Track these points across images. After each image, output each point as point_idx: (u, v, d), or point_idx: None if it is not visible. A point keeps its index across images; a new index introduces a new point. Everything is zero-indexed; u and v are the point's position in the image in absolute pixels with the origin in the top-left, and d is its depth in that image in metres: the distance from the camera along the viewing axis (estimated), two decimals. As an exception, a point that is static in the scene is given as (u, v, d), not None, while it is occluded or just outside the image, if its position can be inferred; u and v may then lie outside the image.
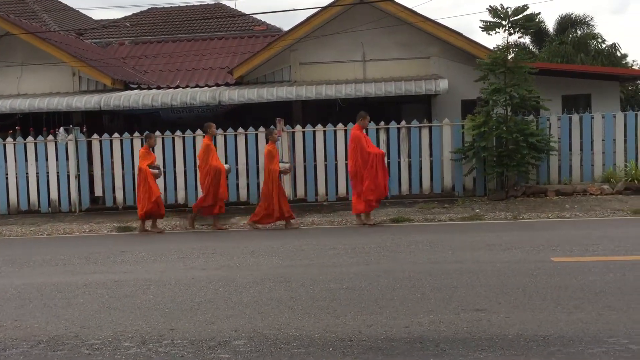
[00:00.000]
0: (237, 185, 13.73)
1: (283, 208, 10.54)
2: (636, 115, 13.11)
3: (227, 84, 15.63)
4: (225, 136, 13.71)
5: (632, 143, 13.02)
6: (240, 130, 13.79)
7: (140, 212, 10.95)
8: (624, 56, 27.18)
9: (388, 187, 11.04)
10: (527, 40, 28.84)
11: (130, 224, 11.63)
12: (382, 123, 13.52)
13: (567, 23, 27.85)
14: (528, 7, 12.54)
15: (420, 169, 13.46)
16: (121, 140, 13.83)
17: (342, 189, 13.61)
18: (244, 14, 22.44)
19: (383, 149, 13.45)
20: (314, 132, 13.60)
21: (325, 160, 13.57)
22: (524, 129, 12.26)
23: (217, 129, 13.72)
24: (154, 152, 11.88)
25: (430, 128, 13.50)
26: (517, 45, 25.47)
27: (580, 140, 13.18)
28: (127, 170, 13.76)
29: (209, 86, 15.54)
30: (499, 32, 12.83)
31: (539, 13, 13.21)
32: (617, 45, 26.33)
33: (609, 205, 11.06)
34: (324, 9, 15.04)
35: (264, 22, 21.72)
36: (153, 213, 10.97)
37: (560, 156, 13.18)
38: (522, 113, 13.01)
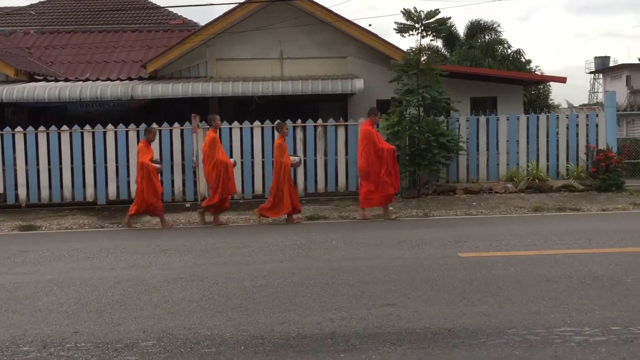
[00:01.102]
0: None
1: (294, 201, 10.43)
2: (537, 118, 13.88)
3: (140, 78, 15.17)
4: (137, 132, 13.31)
5: (533, 144, 13.76)
6: (155, 126, 13.41)
7: (136, 207, 10.46)
8: (528, 61, 28.75)
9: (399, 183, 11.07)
10: (439, 43, 29.94)
11: (35, 223, 11.06)
12: (299, 121, 13.57)
13: (477, 28, 29.09)
14: (440, 11, 12.97)
15: (336, 167, 13.62)
16: (25, 134, 13.11)
17: (258, 187, 13.55)
18: (160, 7, 21.86)
19: (300, 147, 13.56)
20: (230, 129, 13.46)
21: (242, 157, 13.46)
22: (435, 129, 12.69)
23: (129, 124, 13.37)
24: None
25: (346, 127, 13.69)
26: (429, 48, 26.41)
27: (487, 140, 13.80)
28: (31, 166, 13.07)
29: (121, 80, 15.04)
30: (412, 34, 13.20)
31: (450, 18, 13.61)
32: (521, 51, 27.81)
33: (512, 203, 11.66)
34: (241, 4, 14.92)
35: (180, 16, 21.25)
36: (157, 208, 10.54)
37: (468, 156, 13.74)
38: (433, 114, 13.45)
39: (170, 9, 21.68)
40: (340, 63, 15.63)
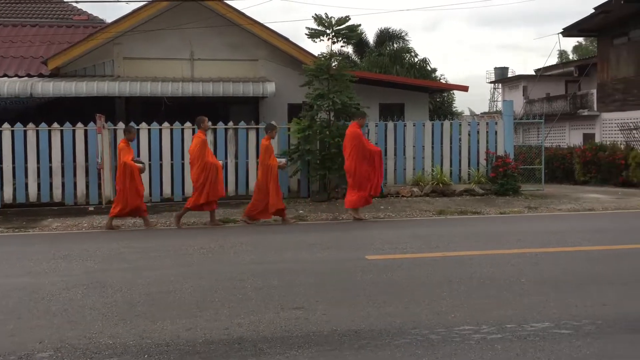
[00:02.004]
0: (51, 184, 12.75)
1: (279, 203, 10.28)
2: (442, 124, 14.45)
3: (40, 75, 14.42)
4: (37, 131, 12.65)
5: (438, 149, 14.32)
6: (56, 125, 12.81)
7: (120, 209, 9.95)
8: (434, 70, 29.86)
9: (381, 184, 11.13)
10: (350, 49, 30.48)
11: None
12: (209, 123, 13.36)
13: (386, 36, 29.89)
14: (350, 18, 13.24)
15: (247, 170, 13.55)
16: None
17: (167, 190, 13.24)
18: (62, 1, 20.82)
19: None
20: (138, 130, 13.05)
21: (150, 160, 13.09)
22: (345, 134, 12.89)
23: (27, 124, 12.68)
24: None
25: (257, 130, 13.65)
26: (341, 54, 26.84)
27: (395, 145, 14.21)
28: None
29: (20, 76, 14.23)
30: (323, 40, 13.38)
31: (360, 25, 13.93)
32: (427, 59, 28.85)
33: (418, 207, 12.06)
34: (150, 3, 14.54)
35: (85, 11, 20.33)
36: (140, 209, 10.11)
37: (377, 160, 14.06)
38: (344, 118, 13.67)
39: (74, 4, 20.69)
40: (252, 66, 15.57)
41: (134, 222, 10.52)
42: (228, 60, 15.48)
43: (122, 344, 4.19)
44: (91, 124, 12.80)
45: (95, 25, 18.23)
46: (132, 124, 13.02)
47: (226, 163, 13.44)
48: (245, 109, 15.74)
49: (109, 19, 21.95)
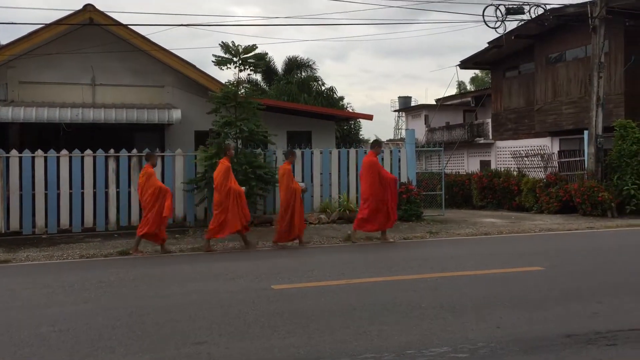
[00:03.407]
0: None
1: (301, 226, 10.74)
2: (348, 152, 14.77)
3: None
4: None
5: (344, 177, 14.59)
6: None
7: (146, 230, 9.98)
8: (341, 98, 30.63)
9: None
10: (258, 77, 30.68)
11: None
12: (111, 151, 12.95)
13: (294, 65, 30.36)
14: (257, 47, 13.35)
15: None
16: None
17: (64, 220, 12.62)
18: (-50, 20, 19.60)
19: (112, 178, 12.93)
20: (33, 158, 12.42)
21: (46, 189, 12.46)
22: (253, 162, 12.90)
23: None
24: None
25: (162, 157, 13.34)
26: (249, 81, 26.93)
27: (302, 173, 14.33)
28: None
29: None
30: (230, 67, 13.38)
31: (267, 53, 14.10)
32: (334, 88, 29.56)
33: (325, 233, 12.19)
34: (48, 25, 14.01)
35: (-24, 32, 19.25)
36: (161, 233, 10.12)
37: (285, 188, 14.12)
38: (251, 146, 13.67)
39: (-37, 23, 19.55)
40: (157, 92, 15.30)
41: (26, 256, 9.91)
42: (132, 86, 15.13)
43: (7, 391, 3.91)
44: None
45: (-14, 46, 17.26)
46: (26, 150, 12.39)
47: (129, 191, 13.01)
48: (150, 135, 15.39)
49: (3, 40, 20.88)
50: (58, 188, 12.61)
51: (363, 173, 11.16)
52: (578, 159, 17.49)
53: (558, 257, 8.93)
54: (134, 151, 13.21)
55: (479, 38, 58.65)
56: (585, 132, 16.75)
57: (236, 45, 13.21)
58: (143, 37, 14.71)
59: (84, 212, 12.73)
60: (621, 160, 15.70)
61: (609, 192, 15.23)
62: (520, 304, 5.97)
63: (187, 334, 5.11)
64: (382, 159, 15.10)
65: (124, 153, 13.08)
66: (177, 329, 5.27)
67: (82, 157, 12.76)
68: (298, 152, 14.35)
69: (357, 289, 6.86)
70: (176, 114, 14.07)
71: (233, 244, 11.04)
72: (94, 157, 12.81)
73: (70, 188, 12.69)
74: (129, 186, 13.02)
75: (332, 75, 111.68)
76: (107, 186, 12.87)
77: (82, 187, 12.71)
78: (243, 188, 10.84)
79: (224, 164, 10.43)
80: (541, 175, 18.21)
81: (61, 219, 12.62)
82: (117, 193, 12.93)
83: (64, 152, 12.68)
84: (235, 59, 13.28)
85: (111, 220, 12.89)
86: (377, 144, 11.81)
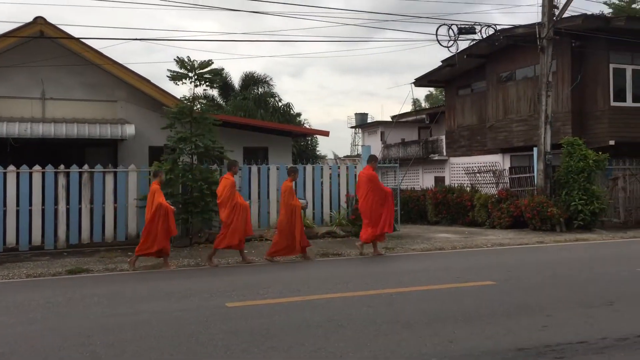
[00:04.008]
0: None
1: (303, 241, 10.94)
2: (305, 168, 14.77)
3: None
4: None
5: (301, 193, 14.54)
6: None
7: (152, 248, 10.18)
8: (298, 114, 30.76)
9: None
10: (215, 92, 30.52)
11: None
12: (62, 166, 12.63)
13: (251, 80, 30.34)
14: (213, 62, 13.28)
15: (104, 215, 12.88)
16: None
17: (10, 238, 12.22)
18: None
19: (62, 194, 12.60)
20: (-22, 173, 11.98)
21: (-8, 205, 12.03)
22: (208, 177, 12.78)
23: None
24: None
25: (115, 173, 13.09)
26: (205, 97, 26.77)
27: (259, 189, 14.26)
28: None
29: None
30: (185, 82, 13.25)
31: (223, 69, 14.03)
32: (291, 104, 29.65)
33: (282, 250, 12.09)
34: (-5, 37, 13.60)
35: None
36: (166, 249, 10.33)
37: (241, 204, 14.01)
38: (207, 162, 13.54)
39: None
40: (110, 107, 15.03)
41: (-30, 275, 9.52)
42: (84, 100, 14.83)
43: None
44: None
45: None
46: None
47: (80, 208, 12.70)
48: (102, 151, 15.10)
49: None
50: (4, 205, 12.20)
51: (360, 186, 11.50)
52: (528, 175, 17.96)
53: (509, 272, 9.11)
54: (85, 167, 12.90)
55: (434, 56, 60.07)
56: (535, 149, 17.22)
57: (192, 60, 13.09)
58: (95, 50, 14.46)
59: (32, 229, 12.34)
60: (569, 177, 16.19)
61: (557, 208, 15.67)
62: (473, 318, 6.06)
63: (137, 355, 4.98)
64: (339, 175, 15.20)
65: (74, 169, 12.76)
66: (128, 350, 5.13)
67: (31, 173, 12.40)
68: (255, 167, 14.29)
69: (313, 305, 6.83)
70: (129, 129, 13.83)
71: (188, 261, 10.87)
72: (43, 173, 12.46)
73: (18, 205, 12.29)
74: (80, 203, 12.69)
75: (289, 91, 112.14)
76: (56, 203, 12.52)
77: (30, 204, 12.33)
78: (247, 202, 11.22)
79: (228, 179, 10.68)
80: (493, 191, 18.61)
81: (7, 237, 12.19)
82: (67, 210, 12.60)
83: (12, 167, 12.30)
84: (190, 74, 13.15)
85: (60, 238, 12.53)
86: (373, 158, 11.98)
